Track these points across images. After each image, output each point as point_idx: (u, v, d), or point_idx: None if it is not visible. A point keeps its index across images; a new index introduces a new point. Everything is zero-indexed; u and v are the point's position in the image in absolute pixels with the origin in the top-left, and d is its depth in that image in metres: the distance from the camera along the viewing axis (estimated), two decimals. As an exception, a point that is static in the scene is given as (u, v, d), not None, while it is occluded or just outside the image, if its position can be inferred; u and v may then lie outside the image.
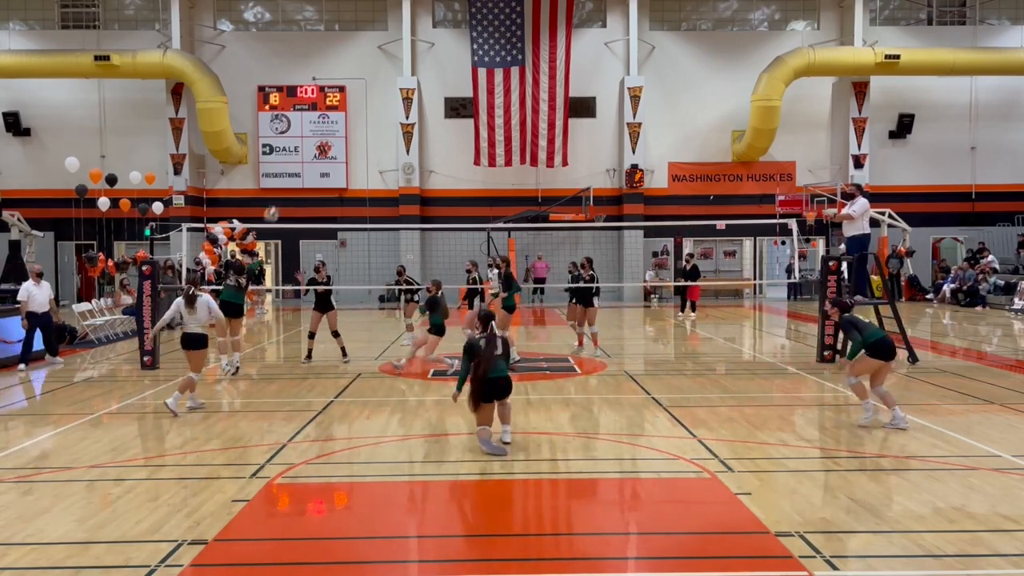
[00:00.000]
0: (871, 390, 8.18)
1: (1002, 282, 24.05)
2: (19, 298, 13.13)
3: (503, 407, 7.53)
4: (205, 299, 9.30)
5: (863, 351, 8.03)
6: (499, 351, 7.42)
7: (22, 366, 12.93)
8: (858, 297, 13.35)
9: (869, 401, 8.24)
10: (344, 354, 13.39)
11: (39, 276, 13.37)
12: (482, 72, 27.26)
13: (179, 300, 9.31)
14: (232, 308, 12.30)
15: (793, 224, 16.21)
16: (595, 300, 13.97)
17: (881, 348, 8.06)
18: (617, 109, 28.60)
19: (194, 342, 9.20)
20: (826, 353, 12.75)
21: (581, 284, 14.05)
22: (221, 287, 12.81)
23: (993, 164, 29.15)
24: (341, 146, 28.50)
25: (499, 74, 27.28)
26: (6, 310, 14.20)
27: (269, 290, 27.33)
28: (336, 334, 13.39)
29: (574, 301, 14.33)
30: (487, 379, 7.25)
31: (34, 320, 13.06)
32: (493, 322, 7.69)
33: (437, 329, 11.45)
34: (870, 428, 8.37)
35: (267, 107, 28.26)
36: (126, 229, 27.14)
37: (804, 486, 6.24)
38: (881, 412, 8.40)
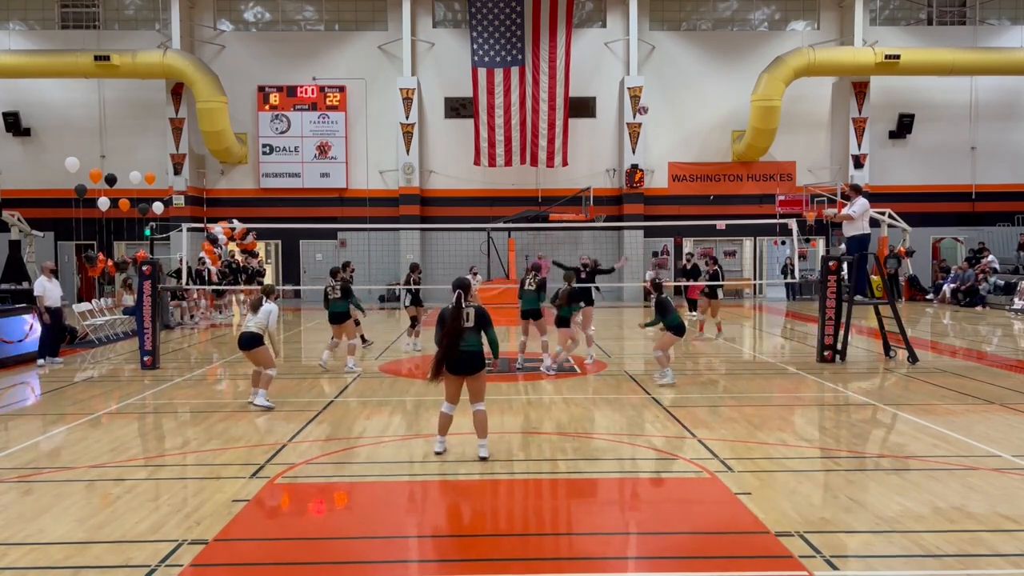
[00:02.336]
0: (657, 349, 10.87)
1: (1002, 282, 24.05)
2: (36, 292, 13.30)
3: (479, 416, 7.09)
4: (269, 308, 9.53)
5: (668, 329, 10.66)
6: (469, 323, 7.02)
7: (41, 361, 13.23)
8: (858, 297, 13.35)
9: (669, 369, 10.75)
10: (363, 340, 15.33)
11: (52, 273, 13.53)
12: (482, 72, 27.26)
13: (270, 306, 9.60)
14: (334, 316, 12.42)
15: (793, 224, 16.21)
16: (719, 292, 17.36)
17: (680, 329, 10.66)
18: (617, 109, 28.61)
19: (248, 342, 9.37)
20: (826, 353, 12.74)
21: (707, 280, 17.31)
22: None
23: (993, 164, 29.16)
24: (341, 146, 28.50)
25: (499, 74, 27.28)
26: (5, 310, 14.21)
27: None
28: (356, 323, 15.38)
29: (704, 293, 17.27)
30: (450, 350, 6.91)
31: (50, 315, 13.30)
32: (461, 290, 7.11)
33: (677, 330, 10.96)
34: (870, 428, 8.38)
35: (267, 107, 28.26)
36: (126, 229, 27.14)
37: (804, 486, 6.24)
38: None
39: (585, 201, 27.20)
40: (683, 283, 21.32)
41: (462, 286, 7.15)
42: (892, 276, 25.29)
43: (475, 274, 19.10)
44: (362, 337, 15.74)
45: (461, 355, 6.96)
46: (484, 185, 28.30)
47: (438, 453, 7.20)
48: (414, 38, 28.16)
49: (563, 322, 12.20)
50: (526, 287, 12.89)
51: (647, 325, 11.07)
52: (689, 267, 21.41)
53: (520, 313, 12.89)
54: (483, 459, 6.98)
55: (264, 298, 9.72)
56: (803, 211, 27.12)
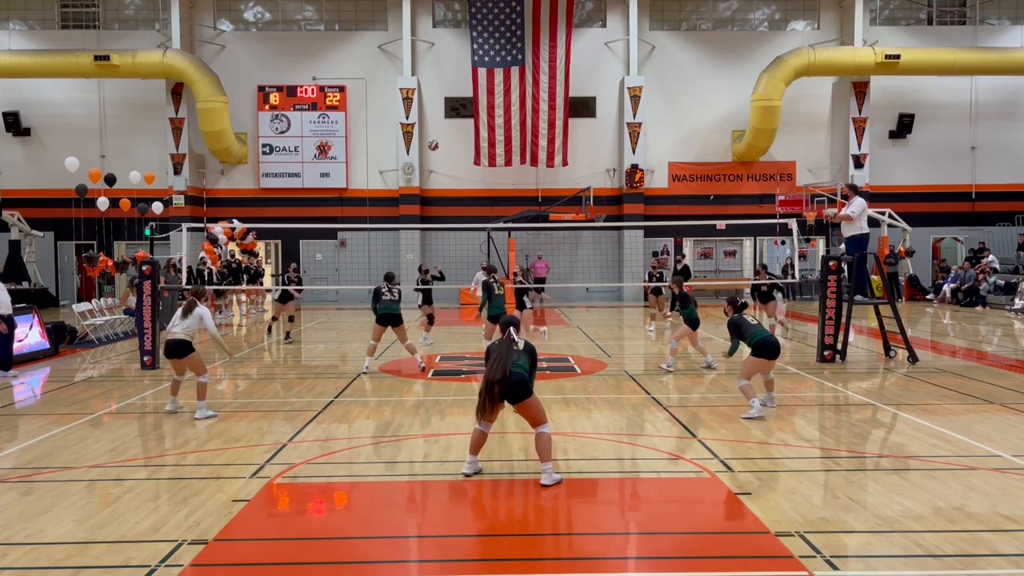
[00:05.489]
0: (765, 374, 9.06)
1: (1002, 282, 24.05)
2: None
3: (539, 439, 6.42)
4: (201, 312, 9.16)
5: (749, 352, 8.82)
6: (518, 347, 6.57)
7: (2, 373, 12.16)
8: (858, 297, 13.35)
9: (756, 400, 8.74)
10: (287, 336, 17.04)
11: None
12: (482, 72, 27.26)
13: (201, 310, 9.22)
14: (392, 318, 12.23)
15: (793, 224, 16.21)
16: (775, 295, 16.63)
17: (763, 347, 8.69)
18: (617, 109, 28.61)
19: (177, 348, 9.00)
20: (826, 353, 12.75)
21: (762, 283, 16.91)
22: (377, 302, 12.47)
23: (993, 164, 29.16)
24: (341, 146, 28.50)
25: (499, 74, 27.28)
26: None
27: (269, 290, 27.34)
28: (291, 319, 17.49)
29: (756, 298, 17.30)
30: (496, 367, 6.39)
31: None
32: (513, 327, 6.78)
33: (692, 323, 12.18)
34: (870, 428, 8.38)
35: (267, 107, 28.26)
36: (126, 229, 27.16)
37: (804, 486, 6.24)
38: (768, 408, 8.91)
39: (585, 201, 27.20)
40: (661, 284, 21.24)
41: (513, 323, 6.81)
42: (892, 276, 25.28)
43: (485, 269, 18.69)
44: (269, 329, 17.15)
45: (509, 376, 6.36)
46: (484, 185, 28.30)
47: (466, 475, 6.55)
48: (414, 38, 28.16)
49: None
50: (496, 291, 13.10)
51: (729, 354, 9.61)
52: (680, 268, 21.41)
53: (489, 318, 13.14)
54: (544, 486, 6.23)
55: (195, 302, 9.21)
56: (803, 211, 27.12)
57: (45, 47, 27.40)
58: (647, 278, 21.61)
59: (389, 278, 12.74)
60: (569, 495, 6.21)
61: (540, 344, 13.47)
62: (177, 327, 9.09)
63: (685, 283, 12.85)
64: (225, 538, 5.23)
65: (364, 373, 12.21)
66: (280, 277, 17.56)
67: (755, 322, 9.05)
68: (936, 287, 26.71)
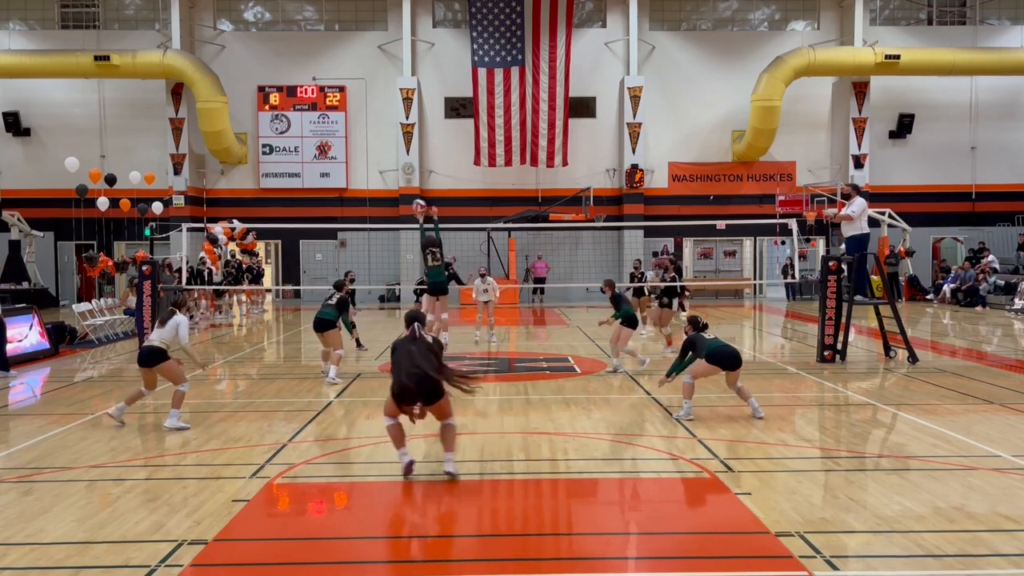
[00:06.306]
0: (732, 387, 8.70)
1: (1002, 282, 24.05)
2: None
3: (447, 430, 6.48)
4: (178, 320, 8.70)
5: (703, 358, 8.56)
6: (423, 343, 6.56)
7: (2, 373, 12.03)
8: (858, 297, 13.35)
9: (688, 402, 8.65)
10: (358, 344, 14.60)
11: None
12: (482, 72, 27.26)
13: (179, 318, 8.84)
14: (322, 323, 11.74)
15: (793, 224, 16.21)
16: (673, 302, 15.06)
17: (716, 356, 8.45)
18: (617, 109, 28.61)
19: (150, 357, 8.51)
20: (826, 353, 12.74)
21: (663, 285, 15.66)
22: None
23: (993, 164, 29.17)
24: (341, 146, 28.51)
25: (499, 74, 27.29)
26: (6, 310, 14.18)
27: (269, 290, 27.38)
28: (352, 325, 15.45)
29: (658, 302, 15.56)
30: (404, 373, 6.32)
31: None
32: (417, 322, 6.74)
33: (629, 320, 11.74)
34: (870, 428, 8.38)
35: (267, 107, 28.27)
36: (126, 229, 27.16)
37: (804, 486, 6.24)
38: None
39: (585, 201, 27.21)
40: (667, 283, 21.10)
41: (418, 318, 6.80)
42: (892, 276, 25.27)
43: (483, 275, 17.63)
44: (357, 342, 15.01)
45: (416, 377, 6.27)
46: (484, 185, 28.30)
47: (450, 474, 6.41)
48: (414, 38, 28.16)
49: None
50: (430, 263, 13.38)
51: (668, 375, 8.95)
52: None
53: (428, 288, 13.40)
54: (449, 474, 6.33)
55: (175, 311, 8.82)
56: (803, 211, 27.13)
57: (45, 47, 27.41)
58: (629, 278, 21.44)
59: (337, 286, 12.06)
60: (569, 495, 6.22)
61: (540, 343, 13.42)
62: (154, 336, 8.70)
63: (677, 284, 12.71)
64: (225, 538, 5.23)
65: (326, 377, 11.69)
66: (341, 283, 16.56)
67: (711, 337, 8.66)
68: (936, 287, 26.71)
